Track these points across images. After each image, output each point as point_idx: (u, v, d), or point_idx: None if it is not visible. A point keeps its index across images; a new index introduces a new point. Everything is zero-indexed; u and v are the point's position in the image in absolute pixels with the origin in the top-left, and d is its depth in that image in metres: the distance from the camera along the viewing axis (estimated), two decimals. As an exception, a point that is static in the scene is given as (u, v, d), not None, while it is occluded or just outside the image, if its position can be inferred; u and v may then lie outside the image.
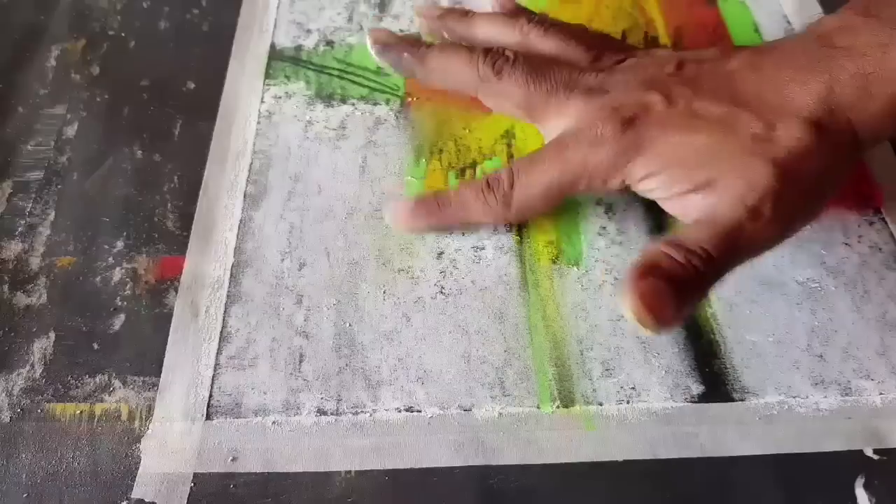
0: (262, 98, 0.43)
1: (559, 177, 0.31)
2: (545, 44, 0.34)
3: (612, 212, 0.37)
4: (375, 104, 0.42)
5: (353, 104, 0.42)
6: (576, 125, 0.31)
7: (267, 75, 0.44)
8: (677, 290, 0.25)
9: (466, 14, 0.37)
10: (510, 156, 0.40)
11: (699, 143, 0.29)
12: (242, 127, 0.41)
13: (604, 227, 0.37)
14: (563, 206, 0.37)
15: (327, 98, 0.43)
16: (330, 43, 0.46)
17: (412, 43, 0.35)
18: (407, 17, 0.47)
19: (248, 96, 0.43)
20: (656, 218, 0.37)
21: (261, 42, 0.46)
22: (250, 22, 0.47)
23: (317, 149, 0.40)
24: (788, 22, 0.45)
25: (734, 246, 0.27)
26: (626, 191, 0.31)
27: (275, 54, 0.45)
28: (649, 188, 0.30)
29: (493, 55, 0.33)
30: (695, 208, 0.29)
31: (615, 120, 0.30)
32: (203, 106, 0.42)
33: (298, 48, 0.46)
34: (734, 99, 0.29)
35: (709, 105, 0.29)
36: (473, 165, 0.40)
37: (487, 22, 0.36)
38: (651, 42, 0.45)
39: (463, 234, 0.36)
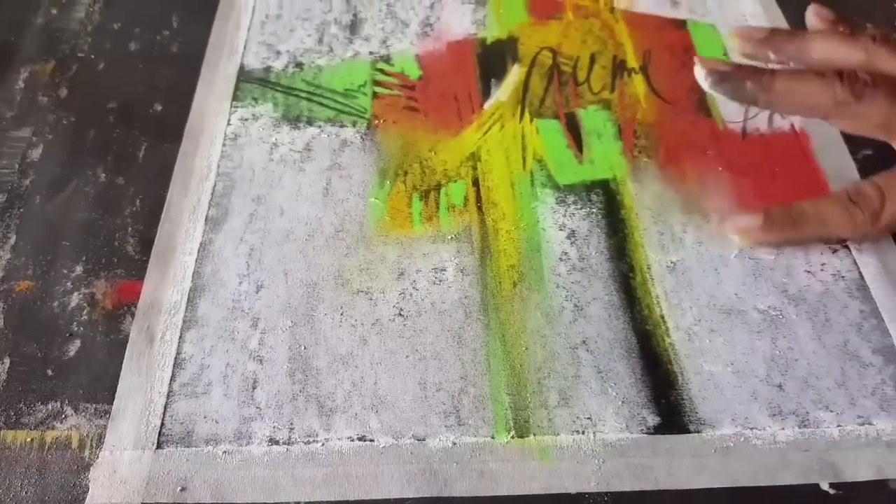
0: (229, 120, 0.43)
1: None
2: (891, 63, 0.33)
3: (574, 237, 0.37)
4: (342, 126, 0.42)
5: (320, 126, 0.42)
6: None
7: (235, 97, 0.44)
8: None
9: (795, 34, 0.36)
10: (475, 179, 0.40)
11: None
12: (207, 149, 0.41)
13: (566, 253, 0.36)
14: (527, 230, 0.37)
15: (294, 120, 0.43)
16: (299, 65, 0.46)
17: (753, 70, 0.33)
18: (377, 38, 0.47)
19: (214, 118, 0.43)
20: (619, 244, 0.37)
21: (230, 63, 0.46)
22: (220, 43, 0.47)
23: (281, 171, 0.40)
24: (758, 45, 0.45)
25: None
26: None
27: (243, 76, 0.45)
28: None
29: (851, 79, 0.31)
30: None
31: None
32: (169, 128, 0.42)
33: (267, 70, 0.45)
34: None
35: None
36: (438, 187, 0.40)
37: (823, 41, 0.35)
38: (619, 66, 0.45)
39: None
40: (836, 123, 0.34)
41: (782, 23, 0.47)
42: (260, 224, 0.38)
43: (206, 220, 0.38)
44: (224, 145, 0.41)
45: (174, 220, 0.38)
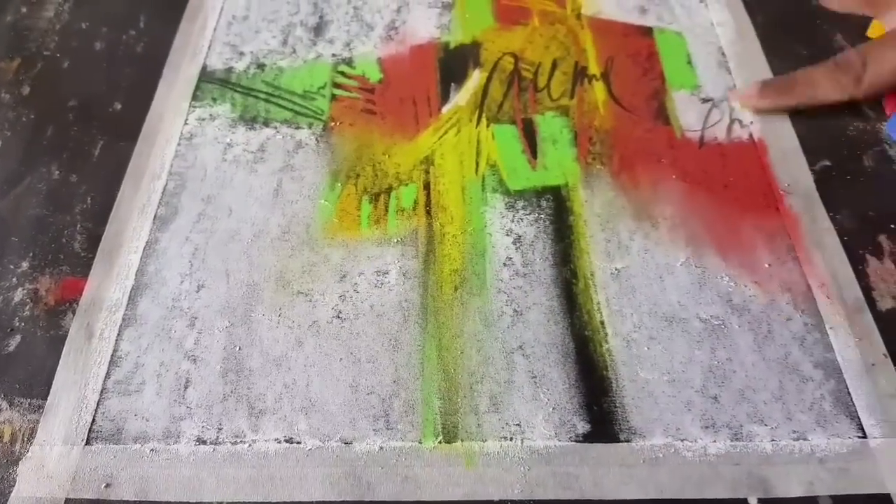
0: (186, 120, 0.43)
1: None
2: None
3: (519, 243, 0.37)
4: (298, 128, 0.42)
5: (276, 127, 0.42)
6: None
7: (194, 97, 0.44)
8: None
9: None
10: (426, 182, 0.39)
11: None
12: (162, 148, 0.41)
13: (510, 258, 0.36)
14: (473, 235, 0.37)
15: (251, 121, 0.43)
16: (261, 66, 0.46)
17: None
18: (342, 41, 0.47)
19: (172, 118, 0.43)
20: (564, 250, 0.36)
21: (192, 64, 0.46)
22: (185, 44, 0.47)
23: (233, 171, 0.40)
24: (723, 54, 0.45)
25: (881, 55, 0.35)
26: None
27: (205, 76, 0.45)
28: None
29: None
30: None
31: None
32: (126, 127, 0.42)
33: (229, 70, 0.46)
34: None
35: None
36: (389, 190, 0.39)
37: None
38: (580, 72, 0.44)
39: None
40: (825, 1, 0.42)
41: (750, 30, 0.46)
42: (207, 224, 0.38)
43: (154, 218, 0.38)
44: (179, 145, 0.41)
45: (123, 218, 0.38)
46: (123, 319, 0.35)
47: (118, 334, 0.34)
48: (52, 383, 0.33)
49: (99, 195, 0.39)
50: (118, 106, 0.44)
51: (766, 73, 0.44)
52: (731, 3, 0.48)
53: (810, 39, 0.45)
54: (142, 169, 0.40)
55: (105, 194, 0.39)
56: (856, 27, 0.46)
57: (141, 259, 0.37)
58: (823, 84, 0.38)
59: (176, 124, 0.43)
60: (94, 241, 0.38)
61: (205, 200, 0.39)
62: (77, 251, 0.37)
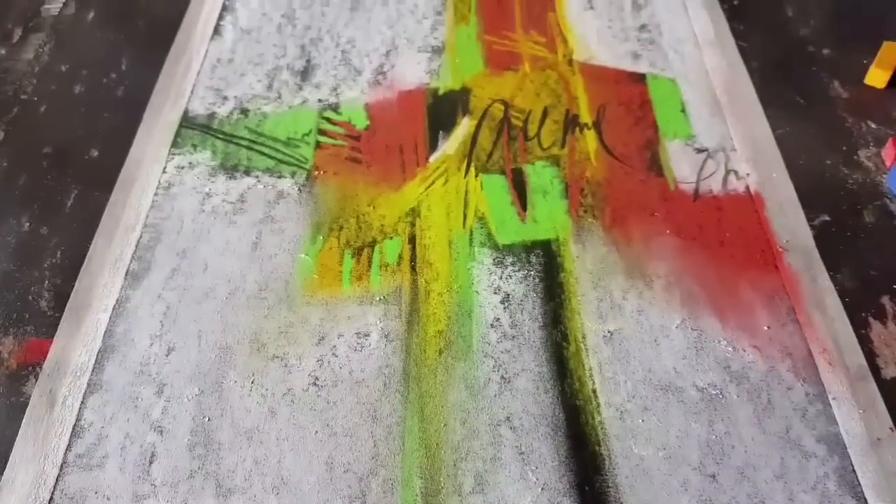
0: (165, 168, 0.41)
1: None
2: None
3: (508, 302, 0.35)
4: (280, 177, 0.41)
5: (257, 176, 0.41)
6: None
7: (174, 144, 0.43)
8: None
9: None
10: (412, 236, 0.38)
11: None
12: (138, 198, 0.40)
13: (497, 319, 0.34)
14: (460, 293, 0.35)
15: (231, 169, 0.41)
16: (245, 111, 0.44)
17: None
18: (328, 86, 0.46)
19: (150, 166, 0.41)
20: (555, 310, 0.35)
21: (174, 109, 0.44)
22: (167, 87, 0.46)
23: (211, 223, 0.39)
24: (718, 102, 0.44)
25: None
26: None
27: (186, 121, 0.44)
28: None
29: None
30: None
31: None
32: (103, 175, 0.41)
33: (211, 115, 0.44)
34: None
35: None
36: (372, 244, 0.38)
37: None
38: (572, 121, 0.43)
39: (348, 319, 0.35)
40: None
41: (745, 76, 0.45)
42: (181, 280, 0.36)
43: (126, 274, 0.37)
44: (156, 194, 0.40)
45: (93, 274, 0.37)
46: (88, 385, 0.33)
47: (82, 402, 0.32)
48: (9, 455, 0.31)
49: (70, 248, 0.38)
50: (95, 153, 0.42)
51: (761, 122, 0.43)
52: (725, 48, 0.47)
53: (807, 87, 0.44)
54: (116, 220, 0.39)
55: (76, 248, 0.38)
56: (853, 73, 0.44)
57: (110, 318, 0.35)
58: None
59: (154, 172, 0.41)
60: (62, 298, 0.36)
61: (180, 254, 0.37)
62: (44, 310, 0.35)
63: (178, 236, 0.38)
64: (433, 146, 0.42)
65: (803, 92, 0.44)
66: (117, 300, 0.35)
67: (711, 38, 0.47)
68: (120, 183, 0.41)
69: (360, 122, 0.44)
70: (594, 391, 0.31)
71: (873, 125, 0.42)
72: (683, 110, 0.43)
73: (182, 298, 0.35)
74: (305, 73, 0.47)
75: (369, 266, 0.37)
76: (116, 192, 0.40)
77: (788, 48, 0.47)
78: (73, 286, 0.36)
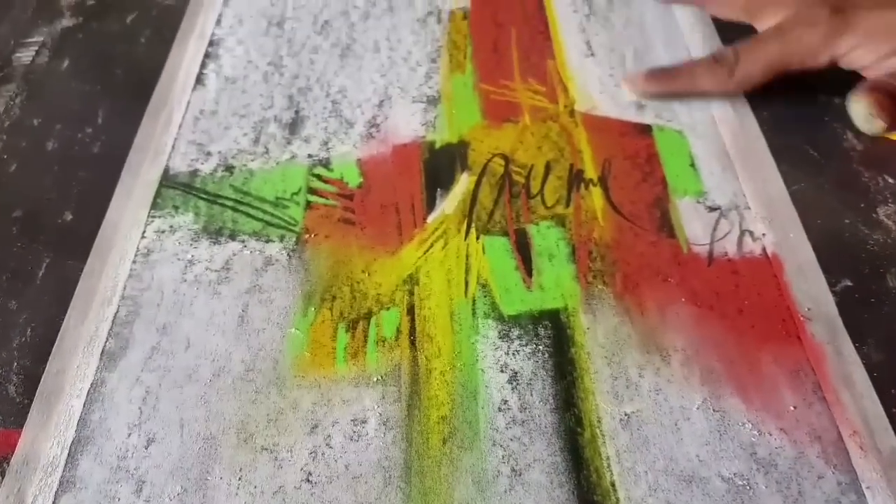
0: (144, 232, 0.39)
1: (779, 53, 0.39)
2: None
3: (516, 381, 0.33)
4: (268, 241, 0.38)
5: (243, 241, 0.38)
6: (794, 15, 0.39)
7: (154, 205, 0.40)
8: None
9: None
10: (410, 306, 0.35)
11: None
12: (115, 267, 0.37)
13: (505, 402, 0.32)
14: (464, 371, 0.33)
15: (215, 233, 0.39)
16: (230, 168, 0.42)
17: None
18: (319, 139, 0.43)
19: (128, 230, 0.39)
20: (567, 390, 0.32)
21: (153, 166, 0.42)
22: (146, 143, 0.43)
23: (193, 294, 0.36)
24: (728, 155, 0.42)
25: None
26: (832, 65, 0.40)
27: (167, 180, 0.41)
28: (854, 59, 0.39)
29: None
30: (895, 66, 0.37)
31: (826, 7, 0.38)
32: (77, 241, 0.38)
33: (194, 173, 0.42)
34: None
35: None
36: (368, 316, 0.35)
37: None
38: (576, 176, 0.41)
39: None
40: (710, 9, 0.46)
41: (755, 127, 0.43)
42: (161, 360, 0.33)
43: (101, 353, 0.34)
44: (134, 262, 0.37)
45: (66, 354, 0.34)
46: (61, 483, 0.30)
47: (54, 502, 0.29)
48: (-28, 564, 0.28)
49: (41, 325, 0.35)
50: (69, 216, 0.39)
51: (775, 176, 0.41)
52: (732, 97, 0.45)
53: (819, 138, 0.43)
54: (91, 292, 0.36)
55: (48, 324, 0.35)
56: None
57: (84, 405, 0.32)
58: (702, 75, 0.41)
59: (132, 238, 0.38)
60: (32, 382, 0.33)
61: (160, 330, 0.35)
62: (12, 396, 0.33)
63: (157, 310, 0.36)
64: (431, 205, 0.40)
65: (816, 143, 0.42)
66: (92, 384, 0.33)
67: (717, 85, 0.45)
68: (95, 250, 0.38)
69: (353, 179, 0.41)
70: (613, 484, 0.29)
71: (890, 180, 0.40)
72: (693, 164, 0.41)
73: (163, 381, 0.32)
74: (294, 126, 0.44)
75: (365, 341, 0.34)
76: (92, 260, 0.38)
77: (797, 95, 0.45)
78: (44, 368, 0.33)
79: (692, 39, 0.49)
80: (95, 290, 0.36)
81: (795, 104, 0.45)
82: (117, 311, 0.35)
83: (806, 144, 0.42)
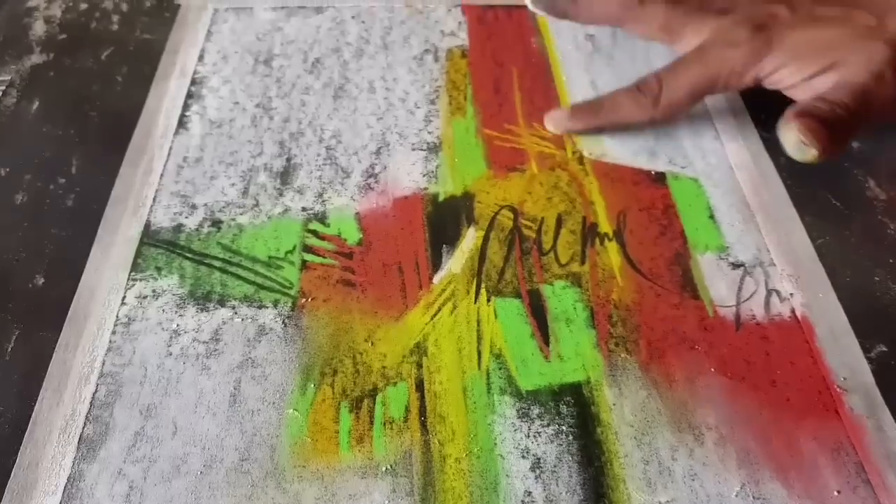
0: (124, 297, 0.35)
1: (701, 76, 0.38)
2: None
3: (539, 469, 0.30)
4: (260, 307, 0.35)
5: (234, 307, 0.35)
6: (714, 35, 0.38)
7: (134, 266, 0.37)
8: (829, 128, 0.34)
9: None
10: (419, 380, 0.33)
11: (822, 37, 0.36)
12: (93, 339, 0.34)
13: (529, 493, 0.29)
14: (482, 458, 0.30)
15: (203, 299, 0.35)
16: (217, 223, 0.39)
17: None
18: (313, 191, 0.40)
19: (106, 296, 0.35)
20: (595, 477, 0.30)
21: (133, 221, 0.39)
22: (125, 195, 0.40)
23: (180, 370, 0.33)
24: (748, 206, 0.39)
25: (866, 101, 0.34)
26: (757, 85, 0.39)
27: (149, 237, 0.38)
28: (779, 79, 0.38)
29: None
30: (823, 86, 0.36)
31: (748, 26, 0.37)
32: (50, 309, 0.35)
33: (178, 229, 0.38)
34: (846, 2, 0.36)
35: (826, 9, 0.36)
36: (374, 393, 0.32)
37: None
38: (590, 230, 0.38)
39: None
40: (628, 29, 0.42)
41: (773, 175, 0.41)
42: (146, 448, 0.30)
43: (79, 441, 0.30)
44: (114, 334, 0.34)
45: (40, 443, 0.30)
46: None
47: None
48: None
49: (10, 410, 0.31)
50: (40, 280, 0.36)
51: (798, 230, 0.39)
52: (748, 140, 0.43)
53: (841, 186, 0.41)
54: (66, 369, 0.33)
55: (18, 408, 0.32)
56: (888, 171, 0.41)
57: (61, 503, 0.29)
58: (626, 105, 0.40)
59: (111, 305, 0.35)
60: (2, 476, 0.29)
61: (144, 413, 0.31)
62: (-25, 494, 0.29)
63: (140, 388, 0.32)
64: (436, 264, 0.37)
65: (837, 192, 0.40)
66: (69, 478, 0.29)
67: (732, 127, 0.44)
68: (71, 320, 0.35)
69: (352, 235, 0.38)
70: (651, 590, 0.26)
71: (918, 233, 0.38)
72: (712, 216, 0.39)
73: (148, 474, 0.29)
74: (286, 175, 0.41)
75: (371, 423, 0.31)
76: (66, 331, 0.34)
77: (814, 141, 0.43)
78: (14, 460, 0.30)
79: (701, 79, 0.47)
80: (71, 366, 0.33)
81: (813, 150, 0.43)
82: (96, 391, 0.32)
83: (828, 193, 0.41)
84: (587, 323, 0.35)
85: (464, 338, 0.34)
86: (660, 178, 0.41)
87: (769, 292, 0.36)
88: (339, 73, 0.47)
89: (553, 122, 0.42)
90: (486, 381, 0.33)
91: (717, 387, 0.32)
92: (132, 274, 0.36)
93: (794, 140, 0.35)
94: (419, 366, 0.33)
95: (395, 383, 0.33)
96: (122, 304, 0.35)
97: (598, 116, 0.41)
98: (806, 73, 0.36)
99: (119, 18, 0.51)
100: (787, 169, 0.41)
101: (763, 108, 0.45)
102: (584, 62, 0.48)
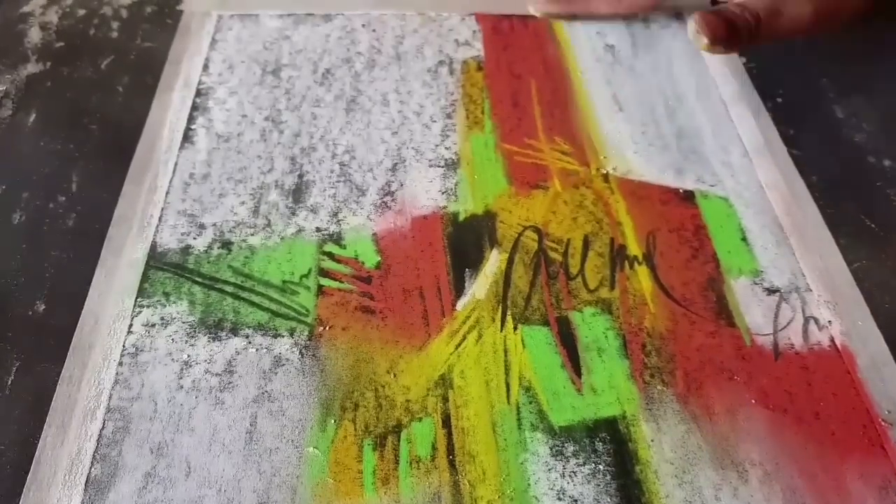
0: (131, 325, 0.33)
1: None
2: None
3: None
4: (276, 336, 0.33)
5: (247, 336, 0.33)
6: None
7: (141, 291, 0.35)
8: (730, 28, 0.39)
9: None
10: (445, 415, 0.31)
11: None
12: (98, 371, 0.32)
13: (567, 539, 0.27)
14: (515, 501, 0.28)
15: (215, 327, 0.33)
16: (227, 244, 0.37)
17: None
18: (327, 209, 0.38)
19: (112, 324, 0.33)
20: (635, 521, 0.28)
21: (138, 243, 0.37)
22: (129, 214, 0.38)
23: (192, 405, 0.31)
24: (780, 227, 0.38)
25: (777, 14, 0.39)
26: None
27: (155, 259, 0.36)
28: None
29: None
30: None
31: None
32: (52, 339, 0.33)
33: (186, 250, 0.36)
34: None
35: None
36: (398, 429, 0.30)
37: None
38: (619, 253, 0.37)
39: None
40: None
41: (805, 194, 0.40)
42: (157, 491, 0.28)
43: (86, 482, 0.29)
44: (121, 364, 0.32)
45: (44, 485, 0.28)
46: None
47: None
48: None
49: (12, 449, 0.29)
50: (41, 307, 0.34)
51: (833, 253, 0.37)
52: (777, 157, 0.41)
53: (874, 206, 0.39)
54: (71, 403, 0.31)
55: (20, 447, 0.30)
56: None
57: (65, 555, 0.27)
58: None
59: (117, 333, 0.33)
60: (0, 524, 0.27)
61: (155, 452, 0.29)
62: (-25, 543, 0.27)
63: (151, 425, 0.30)
64: (459, 289, 0.35)
65: (871, 213, 0.39)
66: (74, 525, 0.27)
67: (760, 144, 0.42)
68: (74, 350, 0.33)
69: (370, 258, 0.37)
70: None
71: (957, 255, 0.37)
72: (744, 238, 0.38)
73: (160, 521, 0.27)
74: (298, 193, 0.39)
75: (396, 462, 0.29)
76: (70, 362, 0.32)
77: (846, 158, 0.42)
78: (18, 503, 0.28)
79: (726, 90, 0.45)
80: (75, 401, 0.31)
81: (844, 167, 0.41)
82: (103, 428, 0.30)
83: (860, 213, 0.39)
84: (620, 352, 0.33)
85: (491, 369, 0.32)
86: (689, 196, 0.39)
87: (806, 320, 0.34)
88: (351, 85, 0.45)
89: (532, 6, 0.47)
90: (517, 417, 0.31)
91: (759, 420, 0.31)
92: (139, 300, 0.34)
93: (692, 27, 0.39)
94: (445, 399, 0.31)
95: (420, 418, 0.31)
96: (129, 332, 0.33)
97: (571, 4, 0.47)
98: None
99: (119, 25, 0.49)
100: (818, 187, 0.40)
101: (791, 123, 0.43)
102: (605, 73, 0.46)
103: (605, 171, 0.41)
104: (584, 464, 0.29)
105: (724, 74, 0.46)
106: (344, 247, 0.37)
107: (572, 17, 0.47)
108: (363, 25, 0.49)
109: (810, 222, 0.38)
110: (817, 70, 0.47)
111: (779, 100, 0.45)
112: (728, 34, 0.39)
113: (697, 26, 0.39)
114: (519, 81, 0.46)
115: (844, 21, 0.41)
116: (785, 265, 0.36)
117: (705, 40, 0.39)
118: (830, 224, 0.38)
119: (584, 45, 0.48)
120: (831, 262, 0.36)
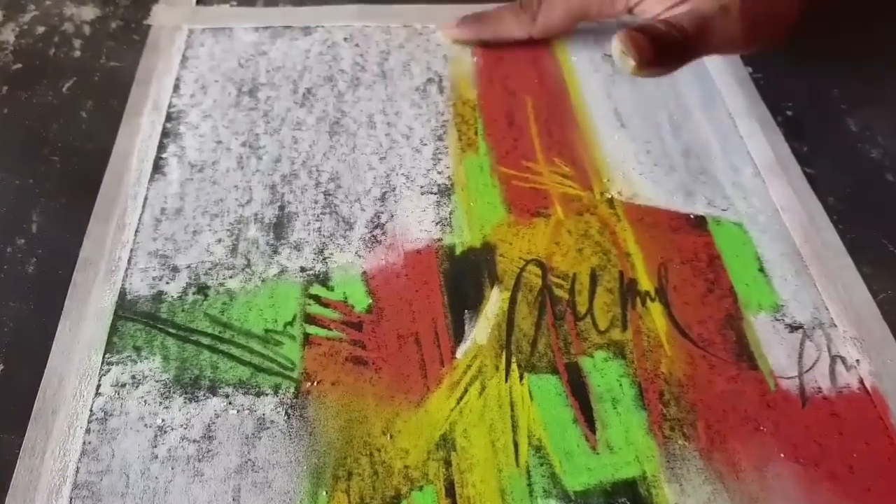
0: (99, 386, 0.30)
1: (576, 2, 0.41)
2: None
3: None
4: (259, 394, 0.30)
5: (227, 395, 0.30)
6: None
7: (109, 346, 0.31)
8: (658, 46, 0.35)
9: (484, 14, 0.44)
10: (449, 482, 0.28)
11: None
12: (63, 441, 0.29)
13: None
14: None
15: (191, 385, 0.30)
16: (203, 289, 0.34)
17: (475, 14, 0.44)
18: (312, 246, 0.35)
19: (77, 386, 0.30)
20: None
21: (106, 289, 0.33)
22: (96, 256, 0.35)
23: (167, 477, 0.28)
24: (799, 255, 0.36)
25: (706, 30, 0.36)
26: (629, 13, 0.40)
27: (124, 309, 0.33)
28: (645, 9, 0.39)
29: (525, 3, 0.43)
30: (679, 15, 0.36)
31: None
32: (10, 405, 0.30)
33: (158, 297, 0.33)
34: None
35: None
36: (397, 500, 0.28)
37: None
38: (629, 288, 0.34)
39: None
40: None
41: (823, 218, 0.37)
42: (132, 585, 0.25)
43: (49, 576, 0.25)
44: (88, 432, 0.29)
45: (0, 581, 0.25)
46: None
47: None
48: None
49: (-37, 538, 0.26)
50: (-3, 367, 0.31)
51: (857, 283, 0.35)
52: (791, 177, 0.39)
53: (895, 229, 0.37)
54: (33, 479, 0.28)
55: (-27, 535, 0.26)
56: None
57: None
58: (507, 19, 0.43)
59: (83, 396, 0.30)
60: None
61: (127, 536, 0.26)
62: None
63: (122, 502, 0.27)
64: (458, 333, 0.33)
65: (893, 238, 0.37)
66: None
67: (772, 162, 0.40)
68: (37, 416, 0.30)
69: (360, 300, 0.34)
70: None
71: None
72: (762, 269, 0.35)
73: None
74: (280, 228, 0.36)
75: (398, 538, 0.26)
76: (32, 431, 0.29)
77: (862, 177, 0.39)
78: None
79: (733, 102, 0.43)
80: (39, 474, 0.28)
81: (862, 188, 0.39)
82: (68, 509, 0.27)
83: (882, 239, 0.37)
84: (636, 403, 0.30)
85: (497, 426, 0.30)
86: (700, 222, 0.37)
87: (833, 359, 0.32)
88: (334, 106, 0.42)
89: (443, 33, 0.45)
90: (528, 482, 0.28)
91: (789, 476, 0.28)
92: (107, 356, 0.31)
93: (617, 48, 0.35)
94: (448, 464, 0.29)
95: (420, 487, 0.28)
96: (97, 394, 0.30)
97: (482, 29, 0.44)
98: (668, 3, 0.37)
99: (81, 44, 0.46)
100: (836, 211, 0.38)
101: (803, 138, 0.41)
102: (605, 86, 0.44)
103: (609, 196, 0.38)
104: (604, 534, 0.27)
105: (729, 85, 0.44)
106: (331, 288, 0.34)
107: (483, 42, 0.44)
108: (345, 39, 0.46)
109: (830, 249, 0.36)
110: (827, 80, 0.45)
111: (789, 113, 0.42)
112: (656, 55, 0.35)
113: (623, 46, 0.34)
114: (513, 98, 0.43)
115: (779, 35, 0.38)
116: (807, 298, 0.34)
117: (632, 63, 0.34)
118: (851, 250, 0.36)
119: (582, 56, 0.45)
120: (855, 293, 0.34)
